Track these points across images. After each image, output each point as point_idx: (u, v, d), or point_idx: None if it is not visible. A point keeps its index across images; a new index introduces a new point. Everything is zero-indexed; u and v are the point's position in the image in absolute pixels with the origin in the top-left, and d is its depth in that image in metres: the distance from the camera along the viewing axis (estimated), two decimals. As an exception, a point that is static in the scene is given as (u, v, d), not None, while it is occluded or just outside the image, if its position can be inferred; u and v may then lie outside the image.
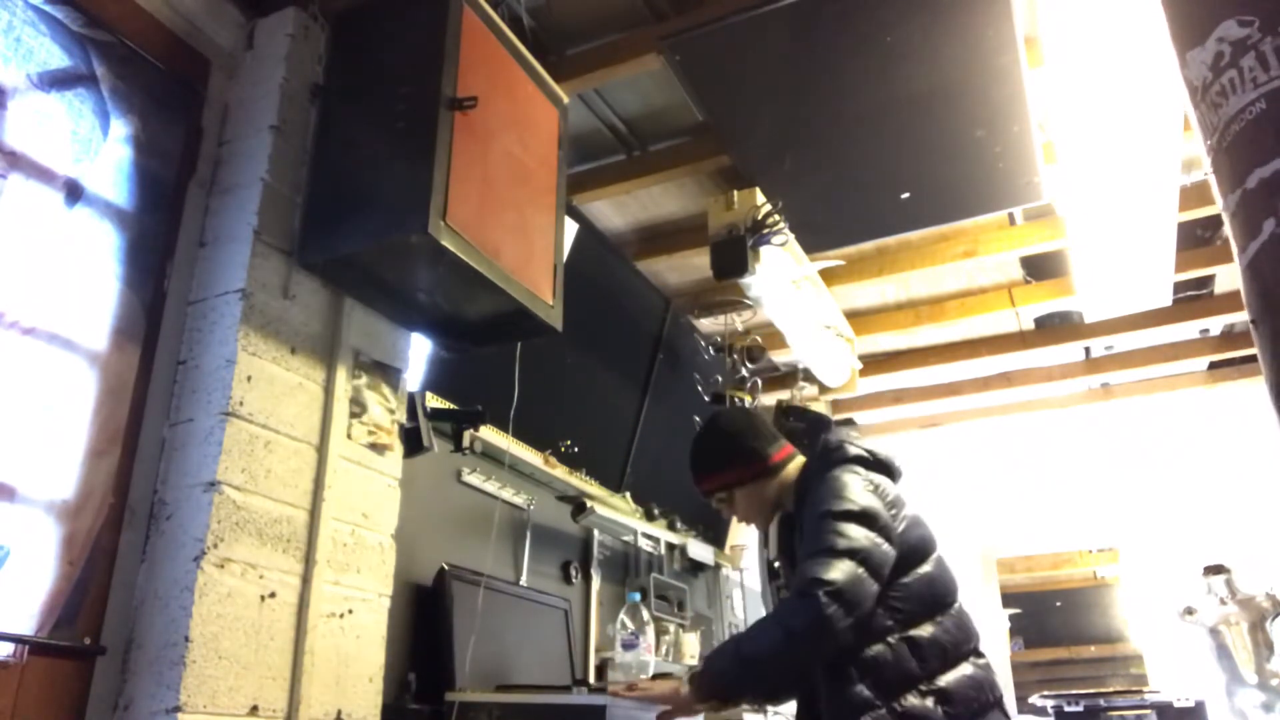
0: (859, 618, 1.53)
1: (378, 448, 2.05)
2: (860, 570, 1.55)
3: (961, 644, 1.66)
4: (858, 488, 1.68)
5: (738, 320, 4.06)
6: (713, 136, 2.96)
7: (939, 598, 1.69)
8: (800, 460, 1.89)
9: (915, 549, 1.70)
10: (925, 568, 1.70)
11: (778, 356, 4.45)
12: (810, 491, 1.73)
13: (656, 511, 3.98)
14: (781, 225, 2.96)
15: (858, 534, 1.59)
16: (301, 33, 2.05)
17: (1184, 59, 1.12)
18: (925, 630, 1.63)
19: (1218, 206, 1.09)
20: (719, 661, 1.64)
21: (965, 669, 1.64)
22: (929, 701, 1.57)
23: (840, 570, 1.53)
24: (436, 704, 2.28)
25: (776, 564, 4.40)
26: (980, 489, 6.26)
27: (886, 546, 1.62)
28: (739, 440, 1.88)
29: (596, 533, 3.54)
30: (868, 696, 1.56)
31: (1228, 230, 1.08)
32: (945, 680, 1.60)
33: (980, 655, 1.70)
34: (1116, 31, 2.30)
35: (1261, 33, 1.00)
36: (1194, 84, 1.10)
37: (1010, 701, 6.82)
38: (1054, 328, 4.43)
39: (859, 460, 1.77)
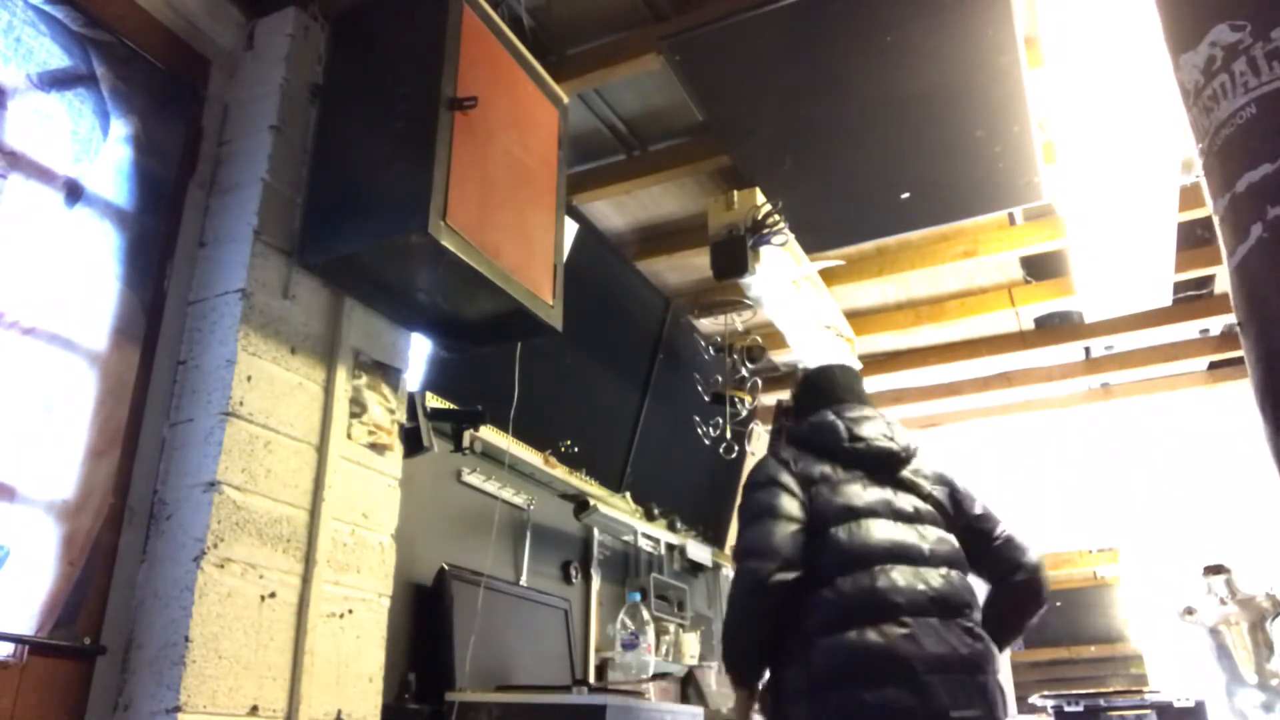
0: (784, 561, 1.83)
1: (378, 448, 2.05)
2: (763, 525, 1.89)
3: (854, 610, 1.79)
4: (754, 506, 1.99)
5: (738, 320, 4.06)
6: (713, 136, 2.95)
7: (846, 560, 1.87)
8: None
9: (822, 515, 1.92)
10: (834, 530, 1.90)
11: (778, 356, 4.45)
12: None
13: (656, 511, 3.97)
14: (781, 225, 2.96)
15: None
16: (301, 33, 2.05)
17: (1177, 62, 1.12)
18: (825, 592, 1.83)
19: (1209, 209, 1.10)
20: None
21: (850, 635, 1.77)
22: (798, 664, 1.81)
23: (744, 538, 1.92)
24: (436, 704, 2.29)
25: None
26: (980, 489, 6.22)
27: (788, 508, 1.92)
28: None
29: (596, 533, 3.54)
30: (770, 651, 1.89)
31: (1218, 233, 1.08)
32: (820, 642, 1.79)
33: (889, 623, 1.78)
34: (1116, 32, 2.30)
35: (1253, 37, 1.00)
36: (1186, 87, 1.10)
37: (1011, 701, 6.81)
38: (1054, 328, 4.43)
39: (780, 465, 2.03)
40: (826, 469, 1.99)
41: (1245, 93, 1.00)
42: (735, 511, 1.97)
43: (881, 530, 1.89)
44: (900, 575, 1.82)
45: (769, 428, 2.18)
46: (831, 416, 2.07)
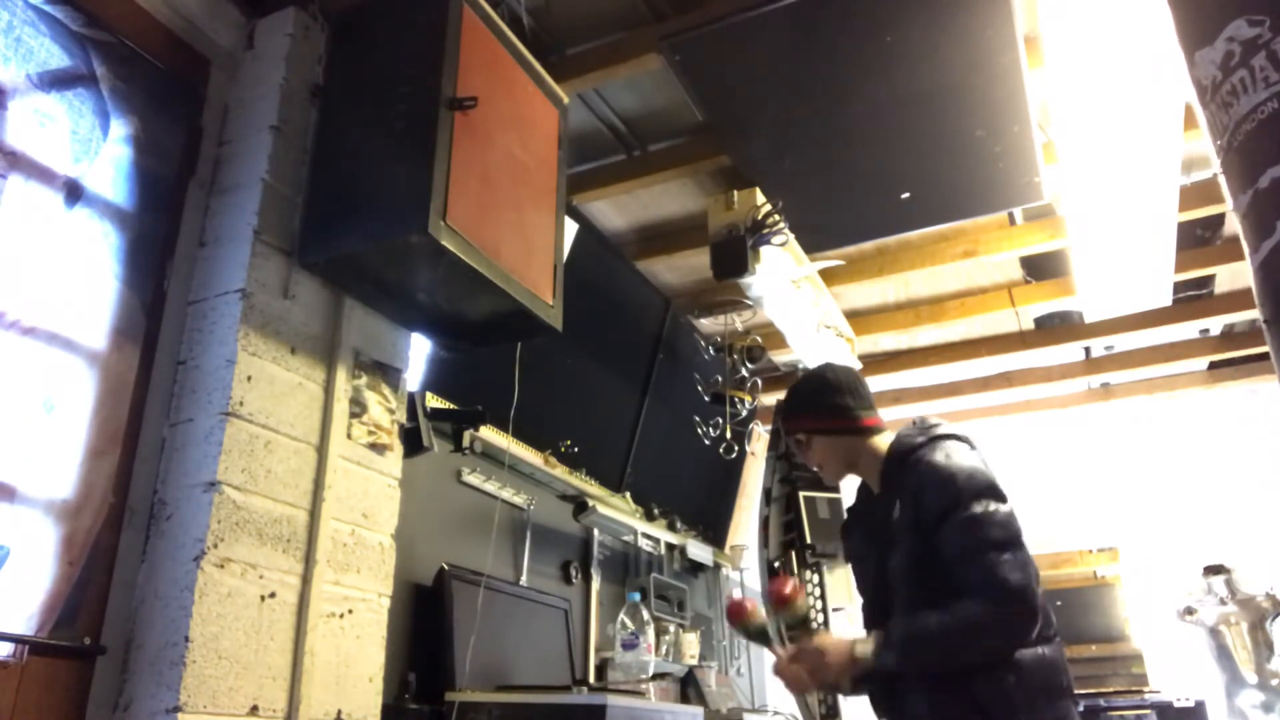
0: (1038, 598, 1.59)
1: (378, 448, 2.05)
2: (1021, 555, 1.60)
3: (1044, 628, 1.67)
4: (975, 461, 1.70)
5: (738, 320, 4.06)
6: (713, 136, 2.95)
7: (1033, 578, 1.67)
8: (889, 438, 1.86)
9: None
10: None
11: (778, 356, 4.45)
12: (921, 470, 1.71)
13: (656, 511, 3.97)
14: (781, 225, 2.96)
15: (1001, 514, 1.63)
16: (301, 33, 2.04)
17: (1192, 58, 1.10)
18: None
19: (1223, 207, 1.09)
20: (922, 636, 1.62)
21: (1041, 649, 1.65)
22: (1007, 674, 1.60)
23: (1018, 568, 1.57)
24: (436, 704, 2.29)
25: (777, 563, 4.40)
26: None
27: (1013, 512, 1.66)
28: (833, 393, 1.91)
29: (596, 533, 3.53)
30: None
31: (1239, 230, 1.07)
32: (1021, 656, 1.62)
33: (1055, 638, 1.71)
34: (1116, 31, 2.29)
35: (1273, 32, 0.99)
36: (1203, 84, 1.09)
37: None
38: (1054, 328, 4.43)
39: (959, 438, 1.79)
40: None
41: (1266, 87, 0.99)
42: (953, 495, 1.64)
43: None
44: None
45: (768, 428, 2.06)
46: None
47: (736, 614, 1.83)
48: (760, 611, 1.83)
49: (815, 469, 1.97)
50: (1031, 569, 1.60)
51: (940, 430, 1.80)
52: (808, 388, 1.97)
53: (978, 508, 1.63)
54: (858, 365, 4.20)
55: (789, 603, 1.79)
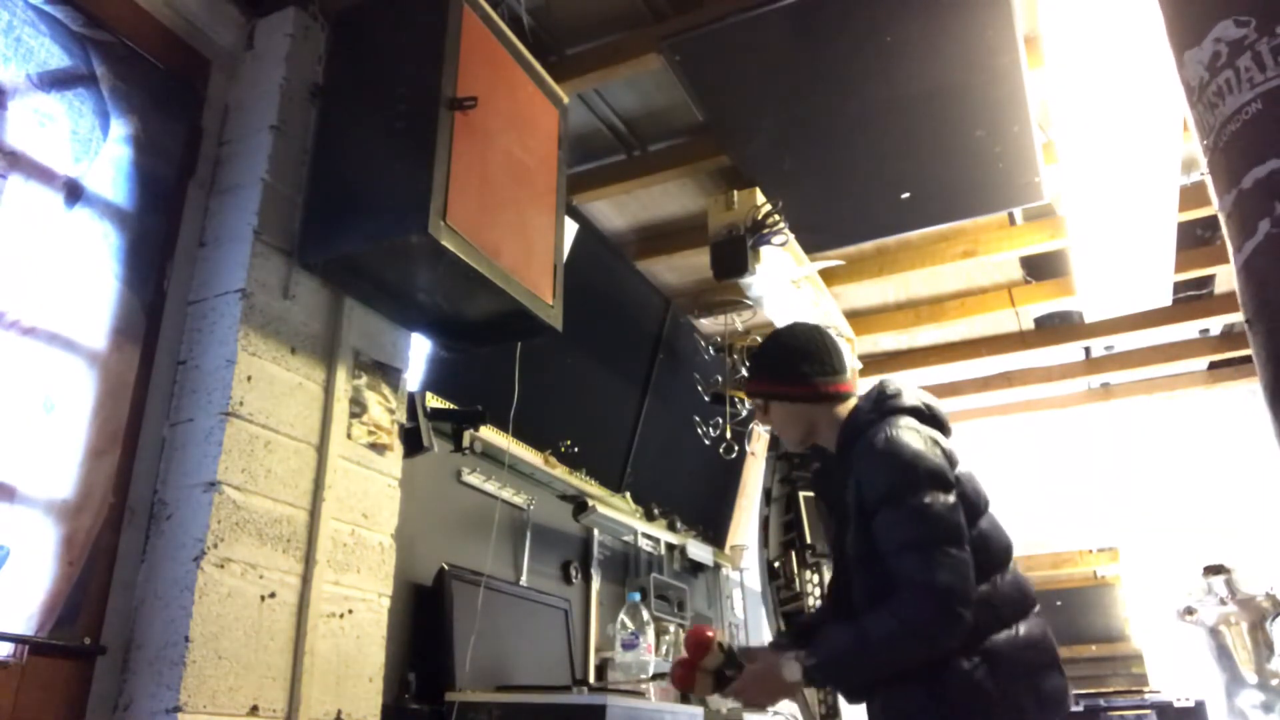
0: (970, 597, 1.50)
1: (378, 448, 2.05)
2: (953, 552, 1.51)
3: (1018, 603, 1.62)
4: (919, 445, 1.59)
5: (738, 320, 4.06)
6: (713, 136, 2.95)
7: (993, 556, 1.63)
8: (853, 403, 1.79)
9: (971, 506, 1.64)
10: (980, 525, 1.65)
11: (778, 356, 4.44)
12: (864, 451, 1.63)
13: (656, 511, 3.97)
14: (781, 225, 2.96)
15: (938, 506, 1.53)
16: (301, 33, 2.04)
17: (1181, 59, 1.11)
18: (980, 589, 1.55)
19: (1214, 207, 1.09)
20: (842, 658, 1.56)
21: (1020, 628, 1.59)
22: (975, 662, 1.53)
23: (944, 568, 1.49)
24: (436, 704, 2.28)
25: (777, 563, 4.41)
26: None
27: (956, 504, 1.57)
28: (793, 359, 1.82)
29: (596, 533, 3.53)
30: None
31: (1224, 230, 1.07)
32: (994, 641, 1.55)
33: (1031, 612, 1.65)
34: (1116, 31, 2.30)
35: (1258, 33, 0.99)
36: (1191, 84, 1.10)
37: (1010, 701, 6.79)
38: (1054, 328, 4.44)
39: (914, 412, 1.70)
40: (950, 444, 1.71)
41: (1251, 88, 1.00)
42: (889, 484, 1.56)
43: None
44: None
45: (768, 428, 2.02)
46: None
47: (685, 676, 1.74)
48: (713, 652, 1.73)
49: (777, 435, 1.89)
50: (963, 566, 1.51)
51: (894, 403, 1.71)
52: (767, 351, 1.87)
53: (913, 499, 1.54)
54: (858, 365, 4.21)
55: (707, 648, 1.73)
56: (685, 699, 3.39)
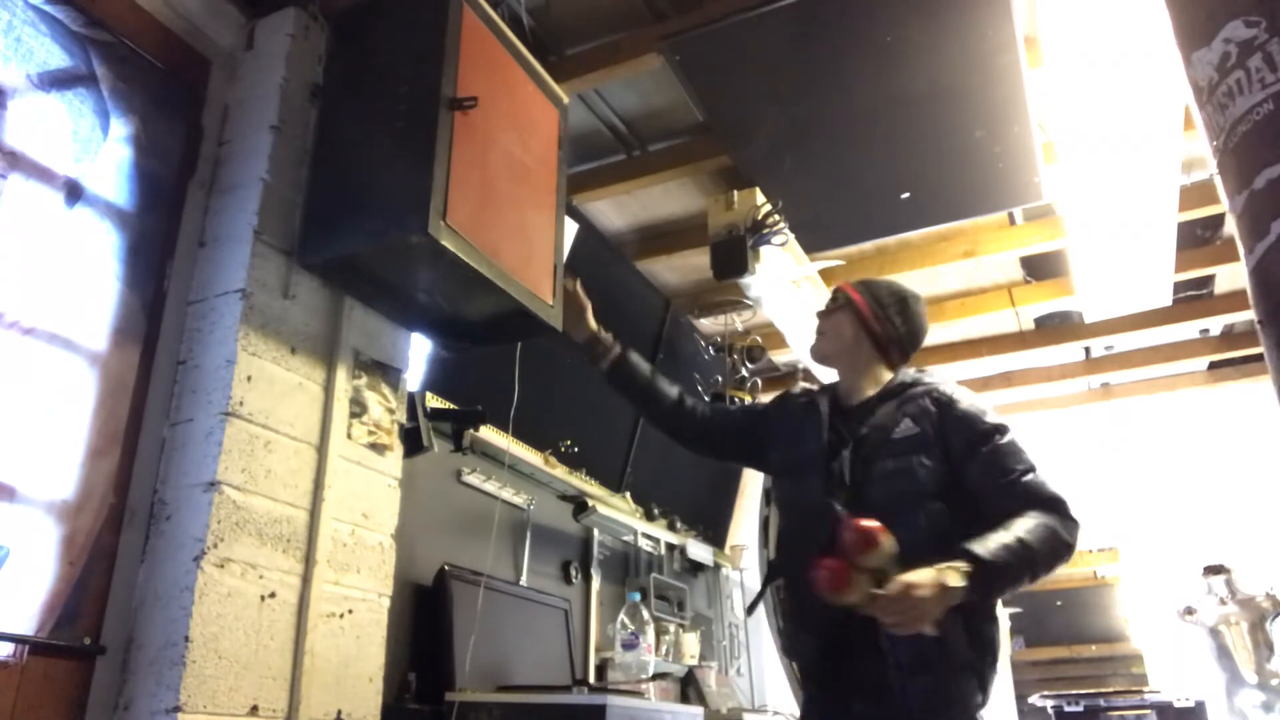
0: None
1: (378, 448, 2.05)
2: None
3: None
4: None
5: (738, 320, 4.06)
6: (713, 136, 2.95)
7: None
8: (890, 373, 1.86)
9: None
10: None
11: (778, 356, 4.45)
12: (949, 400, 1.73)
13: (656, 511, 3.97)
14: (781, 225, 2.96)
15: (1022, 443, 1.71)
16: (301, 33, 2.04)
17: (1189, 59, 1.11)
18: None
19: (1223, 207, 1.09)
20: (1008, 567, 1.51)
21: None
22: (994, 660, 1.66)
23: (1058, 486, 1.64)
24: (436, 704, 2.28)
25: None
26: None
27: None
28: (903, 311, 1.90)
29: (596, 533, 3.53)
30: (966, 657, 1.60)
31: (1234, 231, 1.07)
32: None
33: None
34: (1116, 31, 2.30)
35: (1269, 33, 0.99)
36: (1199, 85, 1.09)
37: (1010, 701, 6.81)
38: (1054, 328, 4.44)
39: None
40: None
41: (1262, 89, 0.99)
42: (1007, 443, 1.69)
43: None
44: None
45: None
46: None
47: (840, 575, 1.45)
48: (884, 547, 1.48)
49: (818, 333, 1.92)
50: None
51: (943, 378, 1.84)
52: (893, 288, 1.93)
53: (1011, 436, 1.69)
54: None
55: (877, 544, 1.48)
56: (685, 697, 3.39)
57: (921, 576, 1.42)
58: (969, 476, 1.66)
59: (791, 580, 1.78)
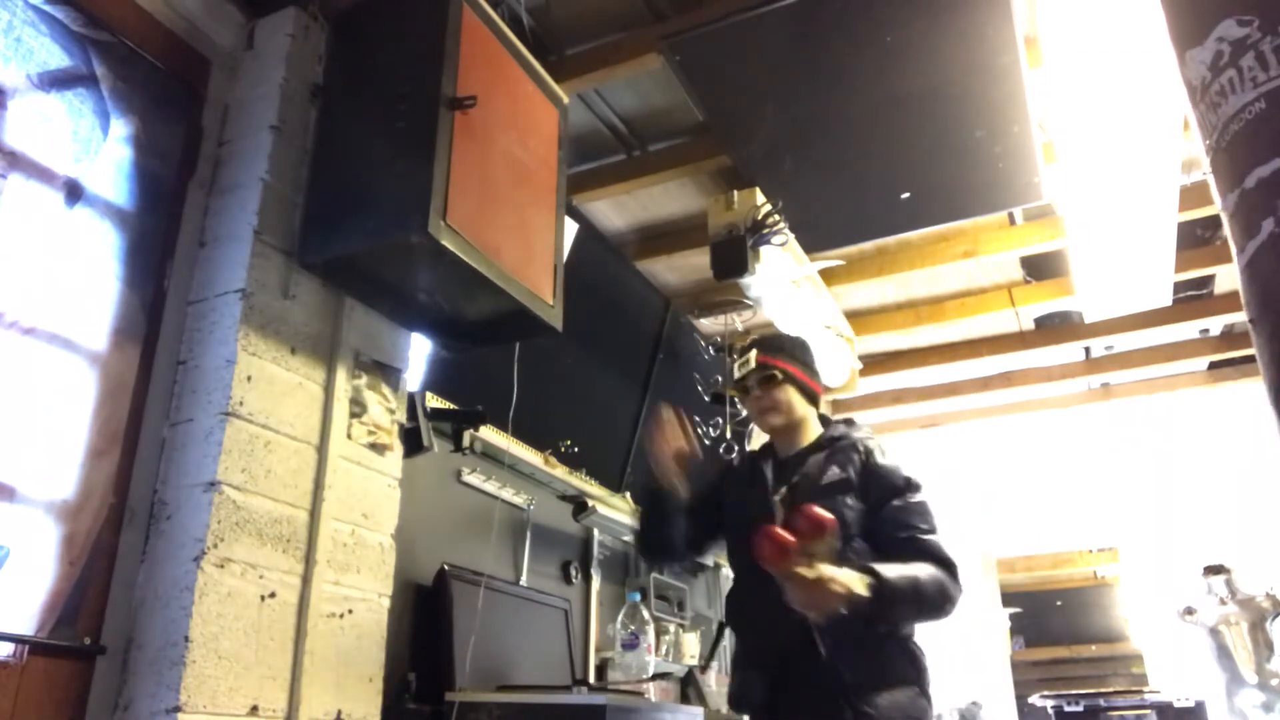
0: None
1: (378, 448, 2.05)
2: None
3: None
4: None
5: (738, 320, 4.06)
6: (713, 136, 2.96)
7: None
8: (815, 421, 2.08)
9: None
10: None
11: (778, 356, 4.44)
12: (870, 451, 1.93)
13: (656, 511, 3.97)
14: (781, 225, 2.96)
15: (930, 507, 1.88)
16: (301, 33, 2.05)
17: (1183, 58, 1.11)
18: None
19: (1217, 206, 1.09)
20: (902, 594, 1.68)
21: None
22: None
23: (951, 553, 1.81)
24: (436, 704, 2.28)
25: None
26: (980, 489, 6.27)
27: None
28: (812, 357, 2.16)
29: (596, 533, 3.54)
30: (911, 675, 1.82)
31: (1226, 230, 1.07)
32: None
33: None
34: (1116, 31, 2.30)
35: (1261, 32, 0.99)
36: (1193, 84, 1.10)
37: (1010, 701, 6.81)
38: (1054, 328, 4.44)
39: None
40: None
41: (1254, 88, 0.99)
42: (917, 503, 1.88)
43: None
44: None
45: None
46: None
47: (783, 551, 1.59)
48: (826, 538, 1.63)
49: (758, 411, 2.09)
50: None
51: (866, 431, 2.06)
52: (800, 345, 2.18)
53: (921, 496, 1.89)
54: (858, 365, 4.21)
55: (824, 532, 1.62)
56: (685, 697, 3.39)
57: (839, 574, 1.61)
58: (876, 524, 1.85)
59: (738, 627, 2.04)
